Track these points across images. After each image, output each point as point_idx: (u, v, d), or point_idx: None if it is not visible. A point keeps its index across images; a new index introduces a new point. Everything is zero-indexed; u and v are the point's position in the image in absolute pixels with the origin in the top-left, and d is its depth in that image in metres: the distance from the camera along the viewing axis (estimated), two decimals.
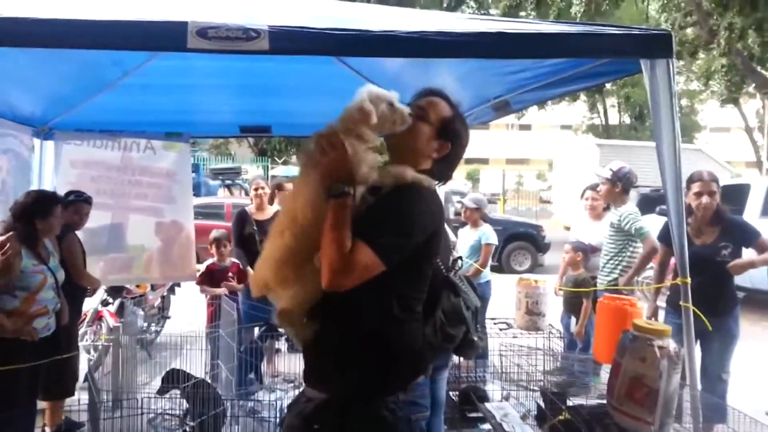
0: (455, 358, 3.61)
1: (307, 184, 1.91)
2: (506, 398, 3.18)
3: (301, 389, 2.06)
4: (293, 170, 25.31)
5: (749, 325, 7.69)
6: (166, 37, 2.52)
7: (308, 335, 1.97)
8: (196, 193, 13.46)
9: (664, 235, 4.11)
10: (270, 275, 1.95)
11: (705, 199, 3.84)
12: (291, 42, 2.55)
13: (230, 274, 5.64)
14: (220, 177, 18.55)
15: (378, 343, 1.87)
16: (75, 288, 4.40)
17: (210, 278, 5.63)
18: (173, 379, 3.99)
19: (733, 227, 3.89)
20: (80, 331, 4.61)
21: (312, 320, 1.97)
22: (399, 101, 1.92)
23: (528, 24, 2.97)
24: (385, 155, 2.00)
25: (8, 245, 3.43)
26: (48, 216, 3.84)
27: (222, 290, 5.45)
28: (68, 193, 4.60)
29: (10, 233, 3.62)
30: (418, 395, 1.92)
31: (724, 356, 3.86)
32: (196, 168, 17.15)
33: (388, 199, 1.85)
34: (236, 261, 5.73)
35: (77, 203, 4.53)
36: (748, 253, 3.99)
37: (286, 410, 2.18)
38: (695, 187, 3.92)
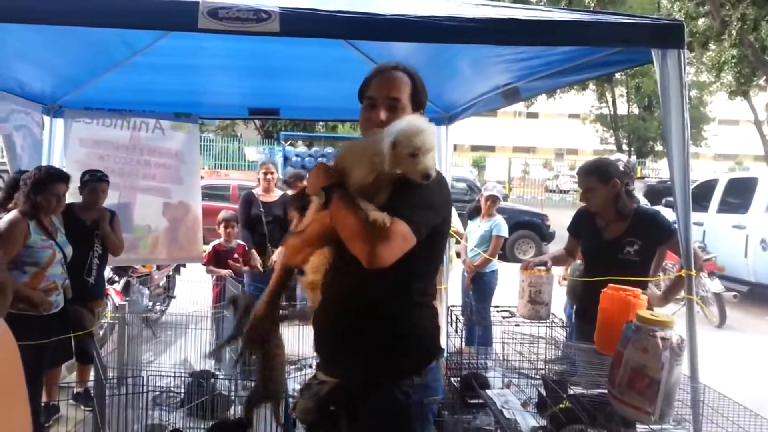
0: (457, 345, 3.64)
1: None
2: (507, 386, 3.20)
3: (308, 372, 2.09)
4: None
5: (752, 318, 7.71)
6: (176, 16, 2.52)
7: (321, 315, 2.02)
8: None
9: (573, 227, 3.86)
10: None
11: (582, 196, 3.57)
12: (301, 24, 2.55)
13: (236, 255, 5.68)
14: None
15: (395, 327, 1.89)
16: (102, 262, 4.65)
17: (216, 259, 5.67)
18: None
19: (643, 222, 3.44)
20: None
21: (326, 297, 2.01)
22: (430, 144, 1.83)
23: (539, 11, 2.96)
24: None
25: None
26: (46, 192, 3.82)
27: (227, 271, 5.48)
28: (84, 173, 4.63)
29: (15, 211, 3.66)
30: (430, 379, 1.93)
31: None
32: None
33: (402, 184, 1.85)
34: (242, 243, 5.76)
35: (92, 182, 4.56)
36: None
37: (297, 394, 2.21)
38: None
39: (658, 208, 7.35)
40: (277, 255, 5.22)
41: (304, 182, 5.75)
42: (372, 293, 1.84)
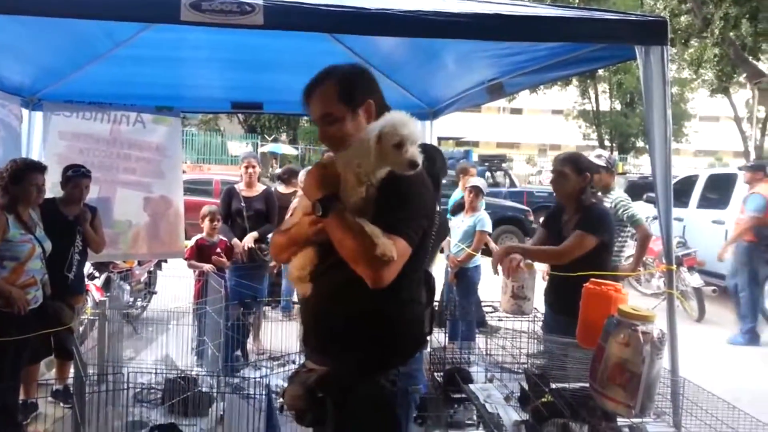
0: (440, 340, 3.64)
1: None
2: (490, 380, 3.21)
3: (291, 367, 2.09)
4: (283, 148, 25.19)
5: (731, 312, 7.80)
6: (159, 8, 2.50)
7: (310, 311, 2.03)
8: None
9: (545, 221, 3.99)
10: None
11: (552, 180, 3.65)
12: (285, 17, 2.53)
13: (218, 249, 5.64)
14: (486, 163, 18.45)
15: (383, 323, 1.91)
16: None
17: (199, 253, 5.62)
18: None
19: (587, 216, 3.47)
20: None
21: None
22: (416, 134, 1.85)
23: (525, 7, 2.97)
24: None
25: None
26: (21, 182, 3.77)
27: (209, 266, 5.45)
28: (66, 168, 4.55)
29: None
30: (414, 368, 1.99)
31: None
32: (466, 154, 17.13)
33: (390, 186, 1.86)
34: (223, 238, 5.73)
35: (75, 178, 4.49)
36: None
37: (286, 382, 2.21)
38: None
39: (639, 203, 7.41)
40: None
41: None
42: (360, 290, 1.83)
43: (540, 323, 3.51)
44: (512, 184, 18.16)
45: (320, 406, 1.93)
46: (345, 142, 1.94)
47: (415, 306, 2.01)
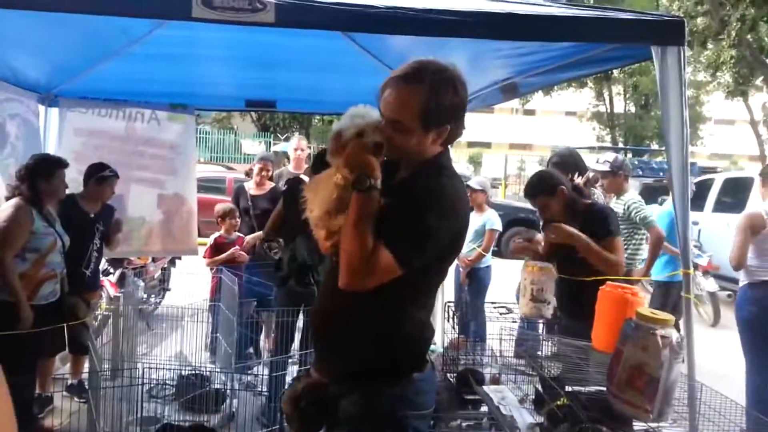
0: (453, 338, 3.63)
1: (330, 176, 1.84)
2: (497, 381, 3.20)
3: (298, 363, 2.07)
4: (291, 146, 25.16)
5: None
6: (171, 5, 2.50)
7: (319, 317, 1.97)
8: None
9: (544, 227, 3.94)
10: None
11: (540, 214, 3.59)
12: (297, 15, 2.53)
13: (236, 247, 5.67)
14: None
15: (374, 336, 1.81)
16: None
17: (217, 251, 5.66)
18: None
19: (590, 219, 3.39)
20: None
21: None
22: (375, 116, 1.81)
23: (539, 6, 2.94)
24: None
25: None
26: (51, 178, 3.85)
27: (227, 254, 5.49)
28: (97, 167, 4.57)
29: (18, 198, 3.64)
30: (411, 391, 1.82)
31: None
32: (692, 166, 16.88)
33: (409, 189, 1.76)
34: (241, 235, 5.76)
35: (111, 178, 4.56)
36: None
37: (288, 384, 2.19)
38: None
39: (653, 206, 7.34)
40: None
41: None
42: (365, 304, 1.77)
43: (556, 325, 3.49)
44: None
45: (303, 415, 1.89)
46: (402, 155, 1.83)
47: (416, 321, 1.86)
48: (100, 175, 4.51)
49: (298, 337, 4.37)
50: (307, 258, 3.86)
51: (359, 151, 1.75)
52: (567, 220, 3.40)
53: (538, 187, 3.49)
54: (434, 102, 1.73)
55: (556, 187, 3.41)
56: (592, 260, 3.22)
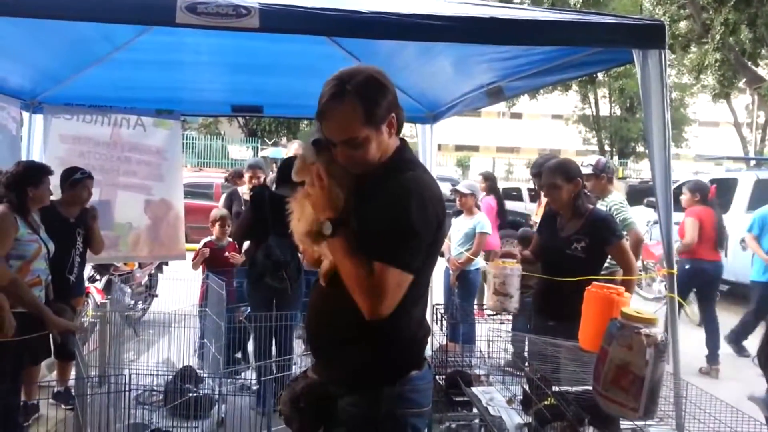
0: (442, 342, 3.64)
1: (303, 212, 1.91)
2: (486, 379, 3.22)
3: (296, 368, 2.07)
4: (282, 151, 25.11)
5: (732, 316, 7.79)
6: (154, 10, 2.50)
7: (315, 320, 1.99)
8: None
9: (539, 228, 4.00)
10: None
11: (546, 192, 3.66)
12: (281, 20, 2.54)
13: (227, 253, 5.66)
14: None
15: (371, 337, 1.81)
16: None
17: (208, 257, 5.64)
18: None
19: (594, 222, 3.47)
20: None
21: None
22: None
23: (521, 11, 2.98)
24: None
25: None
26: (39, 185, 3.82)
27: (204, 250, 5.54)
28: (70, 171, 4.55)
29: (2, 205, 3.60)
30: (408, 389, 1.84)
31: None
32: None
33: (384, 202, 1.76)
34: (232, 240, 5.75)
35: (85, 180, 4.53)
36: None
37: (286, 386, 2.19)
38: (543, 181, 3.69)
39: (639, 207, 7.39)
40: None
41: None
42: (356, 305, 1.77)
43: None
44: None
45: (303, 415, 1.90)
46: (369, 164, 1.83)
47: (411, 321, 1.88)
48: (72, 179, 4.49)
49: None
50: (280, 255, 4.33)
51: (321, 199, 1.80)
52: (567, 212, 3.53)
53: (560, 169, 3.57)
54: (368, 103, 1.77)
55: (575, 177, 3.51)
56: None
